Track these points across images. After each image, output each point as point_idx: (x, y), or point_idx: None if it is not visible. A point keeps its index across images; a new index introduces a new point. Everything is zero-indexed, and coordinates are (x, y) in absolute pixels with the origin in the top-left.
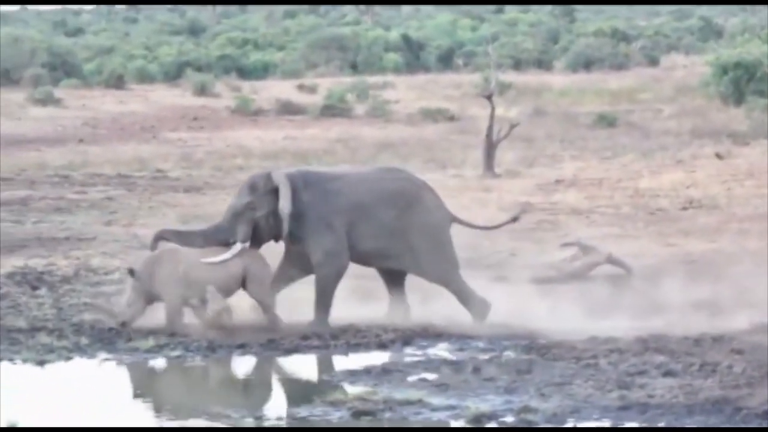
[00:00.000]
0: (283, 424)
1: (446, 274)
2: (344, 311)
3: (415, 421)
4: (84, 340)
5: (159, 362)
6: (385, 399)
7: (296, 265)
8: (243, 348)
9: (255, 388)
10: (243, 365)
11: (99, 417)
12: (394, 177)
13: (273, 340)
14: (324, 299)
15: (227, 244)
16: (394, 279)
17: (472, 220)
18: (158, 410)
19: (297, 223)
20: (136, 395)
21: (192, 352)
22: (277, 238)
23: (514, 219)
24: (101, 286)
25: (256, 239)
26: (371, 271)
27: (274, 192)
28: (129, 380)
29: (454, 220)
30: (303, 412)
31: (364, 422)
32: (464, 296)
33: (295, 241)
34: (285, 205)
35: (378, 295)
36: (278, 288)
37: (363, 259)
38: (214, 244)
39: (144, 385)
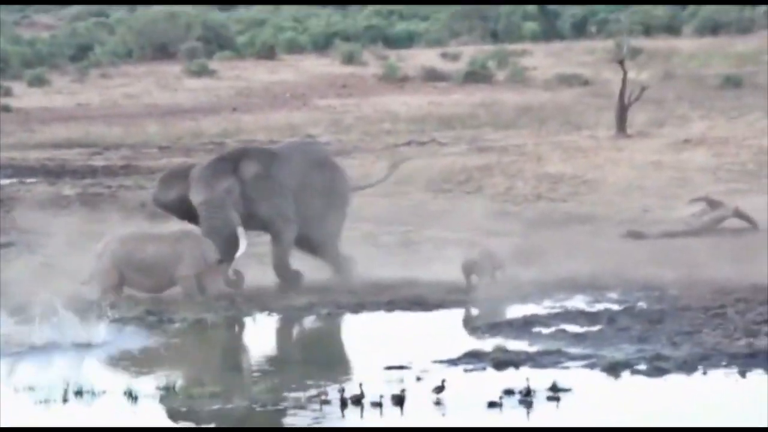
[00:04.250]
0: (427, 375)
1: (338, 239)
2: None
3: (554, 370)
4: (238, 298)
5: (310, 319)
6: (526, 350)
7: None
8: (390, 304)
9: (401, 342)
10: (390, 321)
11: (246, 372)
12: (317, 148)
13: (420, 296)
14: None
15: None
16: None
17: (603, 179)
18: (307, 364)
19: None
20: (286, 351)
21: (342, 309)
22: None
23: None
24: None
25: None
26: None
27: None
28: (281, 336)
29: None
30: (447, 364)
31: (507, 373)
32: (340, 262)
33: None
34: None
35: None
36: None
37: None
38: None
39: (294, 341)
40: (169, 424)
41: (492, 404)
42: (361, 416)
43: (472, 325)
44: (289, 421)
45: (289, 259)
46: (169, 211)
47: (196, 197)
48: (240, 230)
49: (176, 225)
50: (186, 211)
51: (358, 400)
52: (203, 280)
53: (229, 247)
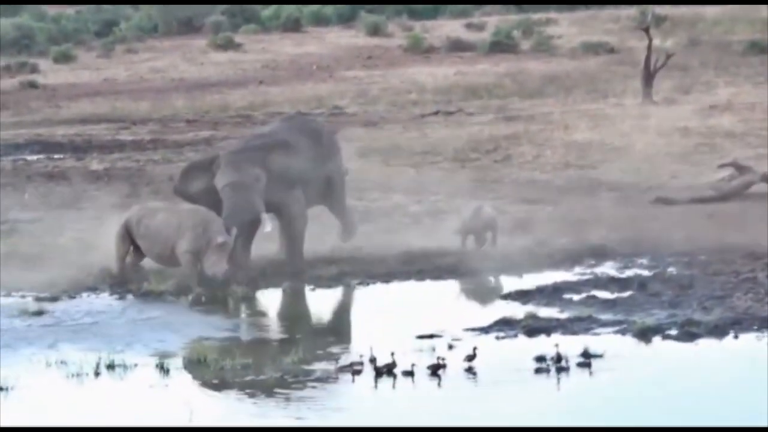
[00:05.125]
0: (459, 343)
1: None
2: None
3: (585, 336)
4: (268, 270)
5: (341, 289)
6: (557, 317)
7: None
8: (421, 273)
9: (432, 311)
10: (421, 290)
11: (277, 343)
12: (316, 122)
13: (450, 265)
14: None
15: None
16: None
17: (630, 146)
18: (338, 333)
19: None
20: (316, 322)
21: (373, 278)
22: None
23: None
24: None
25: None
26: None
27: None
28: (311, 307)
29: None
30: (479, 331)
31: (539, 340)
32: (352, 222)
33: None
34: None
35: None
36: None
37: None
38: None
39: (324, 311)
40: (201, 396)
41: (539, 370)
42: (394, 386)
43: (502, 293)
44: (319, 393)
45: (303, 245)
46: (193, 202)
47: (222, 180)
48: (264, 216)
49: None
50: (209, 202)
51: (390, 370)
52: (202, 259)
53: (249, 231)
